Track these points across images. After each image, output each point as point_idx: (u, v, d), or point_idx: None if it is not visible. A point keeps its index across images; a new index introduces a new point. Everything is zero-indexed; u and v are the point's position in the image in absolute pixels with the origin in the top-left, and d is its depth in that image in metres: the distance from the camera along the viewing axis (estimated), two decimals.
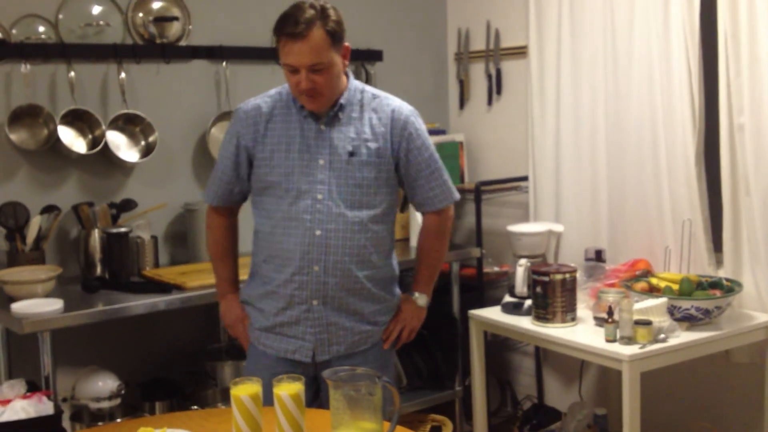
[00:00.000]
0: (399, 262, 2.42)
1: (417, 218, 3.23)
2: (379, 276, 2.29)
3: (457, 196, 2.40)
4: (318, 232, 2.19)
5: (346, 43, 2.19)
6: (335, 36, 2.12)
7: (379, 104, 2.26)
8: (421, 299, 2.43)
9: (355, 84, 2.27)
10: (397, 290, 2.40)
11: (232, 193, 2.35)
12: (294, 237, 2.20)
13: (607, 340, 2.64)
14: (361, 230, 2.22)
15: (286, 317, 2.25)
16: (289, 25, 2.07)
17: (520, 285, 3.04)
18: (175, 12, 3.29)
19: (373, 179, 2.22)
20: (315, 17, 2.07)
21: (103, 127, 3.07)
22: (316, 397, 2.28)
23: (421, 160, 2.29)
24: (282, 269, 2.23)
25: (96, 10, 3.15)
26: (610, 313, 2.65)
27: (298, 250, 2.20)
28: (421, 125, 2.30)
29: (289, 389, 1.74)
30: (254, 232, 2.34)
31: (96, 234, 3.03)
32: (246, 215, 2.43)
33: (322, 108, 2.20)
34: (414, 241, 3.36)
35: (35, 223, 2.91)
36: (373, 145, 2.22)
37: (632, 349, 2.56)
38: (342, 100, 2.22)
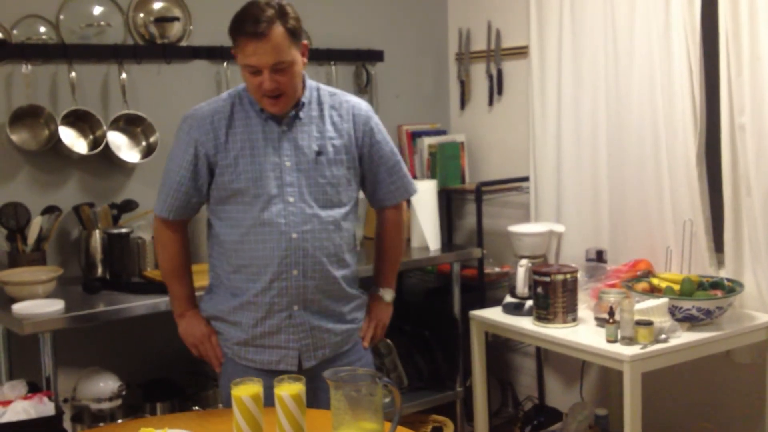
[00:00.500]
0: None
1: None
2: (351, 275, 2.29)
3: (416, 189, 2.41)
4: (294, 235, 2.14)
5: (304, 41, 2.16)
6: (295, 33, 2.09)
7: (338, 101, 2.25)
8: (388, 295, 2.42)
9: (310, 83, 2.24)
10: (360, 288, 2.39)
11: (188, 205, 2.23)
12: (269, 243, 2.15)
13: (608, 341, 2.64)
14: (335, 229, 2.20)
15: (266, 327, 2.19)
16: (248, 25, 2.03)
17: (521, 285, 3.04)
18: (176, 12, 3.30)
19: (341, 176, 2.21)
20: (275, 16, 2.04)
21: (104, 127, 3.07)
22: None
23: (383, 154, 2.28)
24: (257, 278, 2.16)
25: (97, 10, 3.15)
26: (611, 313, 2.65)
27: (275, 255, 2.14)
28: (378, 120, 2.30)
29: (290, 389, 1.74)
30: (215, 243, 2.25)
31: (97, 235, 3.03)
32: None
33: (285, 110, 2.16)
34: None
35: (36, 224, 2.91)
36: (338, 142, 2.21)
37: (633, 350, 2.56)
38: (304, 99, 2.19)
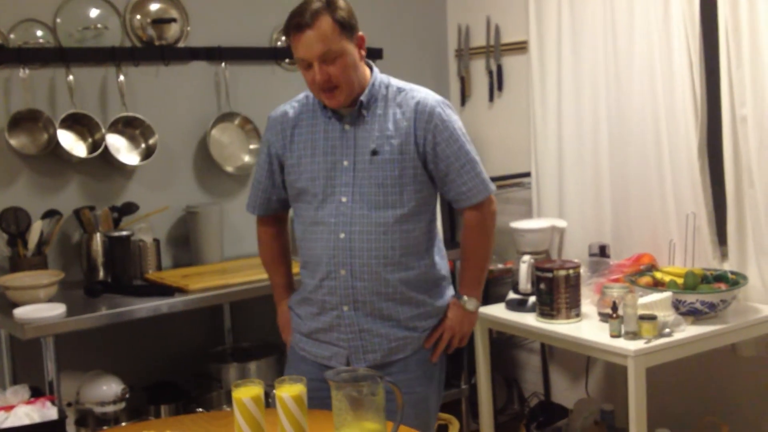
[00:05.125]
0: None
1: None
2: (417, 278, 2.17)
3: (494, 188, 2.23)
4: (342, 235, 2.12)
5: (361, 33, 2.11)
6: (344, 24, 2.05)
7: (404, 98, 2.16)
8: (470, 303, 2.26)
9: (380, 78, 2.17)
10: (447, 293, 2.27)
11: (270, 202, 2.31)
12: (320, 241, 2.15)
13: (612, 336, 2.63)
14: (387, 231, 2.12)
15: (320, 323, 2.19)
16: (295, 18, 2.04)
17: (524, 282, 3.03)
18: (173, 14, 3.29)
19: (397, 177, 2.11)
20: (322, 8, 2.03)
21: (103, 130, 3.07)
22: None
23: (450, 153, 2.14)
24: (314, 275, 2.18)
25: (94, 13, 3.14)
26: (615, 308, 2.64)
27: (324, 254, 2.14)
28: (449, 116, 2.16)
29: (290, 390, 1.73)
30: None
31: (98, 238, 3.02)
32: None
33: (343, 103, 2.11)
34: None
35: (37, 228, 2.91)
36: (395, 141, 2.12)
37: (637, 344, 2.55)
38: (363, 97, 2.13)
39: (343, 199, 2.13)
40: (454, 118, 2.18)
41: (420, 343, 2.21)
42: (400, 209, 2.13)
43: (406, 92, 2.16)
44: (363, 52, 2.13)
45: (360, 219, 2.12)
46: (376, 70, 2.18)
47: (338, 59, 2.05)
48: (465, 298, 2.27)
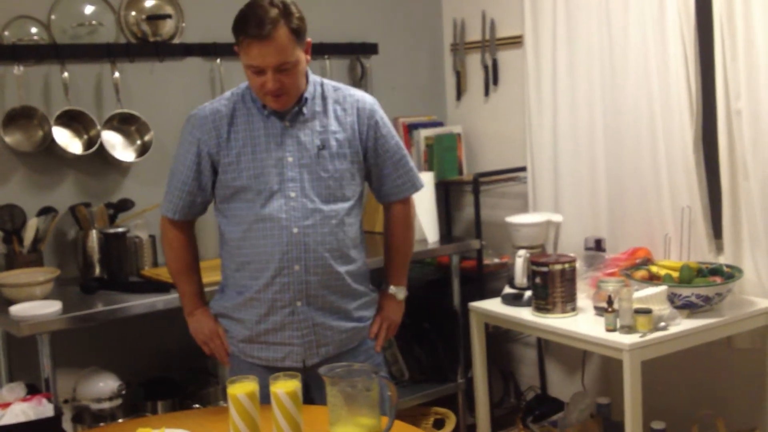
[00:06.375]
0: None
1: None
2: (357, 271, 2.26)
3: (423, 183, 2.38)
4: (295, 230, 2.13)
5: (308, 39, 2.14)
6: (299, 33, 2.07)
7: (341, 95, 2.23)
8: (400, 293, 2.39)
9: (314, 78, 2.23)
10: (371, 285, 2.36)
11: (194, 205, 2.24)
12: (270, 238, 2.14)
13: (608, 330, 2.63)
14: (338, 224, 2.18)
15: (269, 324, 2.18)
16: (252, 26, 2.01)
17: (520, 276, 3.03)
18: (168, 10, 3.28)
19: (345, 170, 2.19)
20: (279, 16, 2.02)
21: (98, 127, 3.07)
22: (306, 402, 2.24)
23: (389, 148, 2.27)
24: (259, 274, 2.16)
25: (88, 9, 3.14)
26: (610, 302, 2.64)
27: (276, 251, 2.13)
28: (384, 114, 2.28)
29: (285, 387, 1.74)
30: (222, 242, 2.26)
31: (94, 235, 3.02)
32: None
33: (287, 106, 2.15)
34: None
35: (32, 225, 2.91)
36: (341, 136, 2.19)
37: (632, 338, 2.55)
38: (306, 95, 2.18)
39: (292, 194, 2.14)
40: (386, 116, 2.31)
41: (365, 333, 2.30)
42: (348, 202, 2.21)
43: (342, 90, 2.26)
44: (309, 58, 2.16)
45: (312, 213, 2.15)
46: (309, 70, 2.22)
47: (292, 69, 2.08)
48: (394, 288, 2.38)
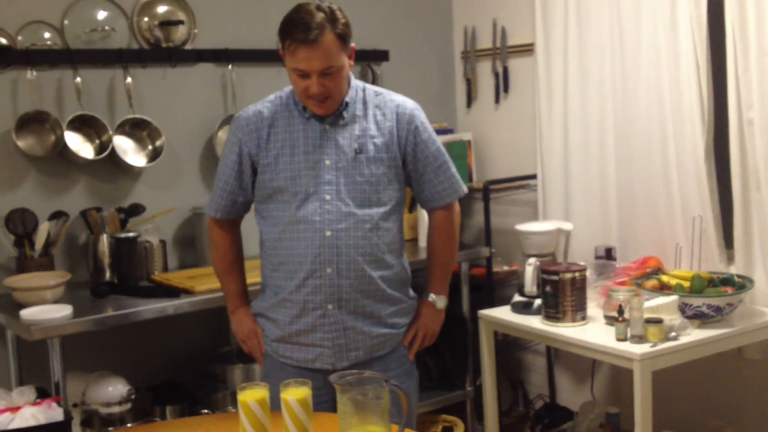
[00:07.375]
0: (409, 263, 2.36)
1: (425, 218, 3.21)
2: (394, 276, 2.24)
3: (465, 189, 2.36)
4: (328, 233, 2.14)
5: (352, 44, 2.17)
6: (344, 39, 2.10)
7: (382, 100, 2.24)
8: (440, 301, 2.37)
9: (356, 83, 2.25)
10: (412, 292, 2.35)
11: (235, 204, 2.30)
12: (304, 240, 2.16)
13: (618, 339, 2.62)
14: (372, 228, 2.17)
15: (301, 325, 2.19)
16: (299, 31, 2.03)
17: (530, 284, 3.02)
18: (181, 16, 3.29)
19: (381, 175, 2.19)
20: (325, 21, 2.05)
21: (110, 132, 3.08)
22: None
23: (429, 154, 2.26)
24: (293, 275, 2.18)
25: (101, 15, 3.15)
26: (621, 311, 2.63)
27: (309, 253, 2.15)
28: (425, 119, 2.28)
29: (296, 393, 1.74)
30: (260, 242, 2.29)
31: (104, 239, 3.03)
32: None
33: (330, 111, 2.17)
34: (423, 242, 3.35)
35: (44, 230, 2.92)
36: (379, 140, 2.19)
37: (643, 348, 2.54)
38: (347, 99, 2.20)
39: (327, 197, 2.15)
40: (427, 121, 2.30)
41: (398, 340, 2.29)
42: (383, 207, 2.20)
43: (383, 95, 2.26)
44: (352, 63, 2.18)
45: (346, 216, 2.15)
46: (352, 75, 2.24)
47: (336, 74, 2.10)
48: (433, 296, 2.36)
